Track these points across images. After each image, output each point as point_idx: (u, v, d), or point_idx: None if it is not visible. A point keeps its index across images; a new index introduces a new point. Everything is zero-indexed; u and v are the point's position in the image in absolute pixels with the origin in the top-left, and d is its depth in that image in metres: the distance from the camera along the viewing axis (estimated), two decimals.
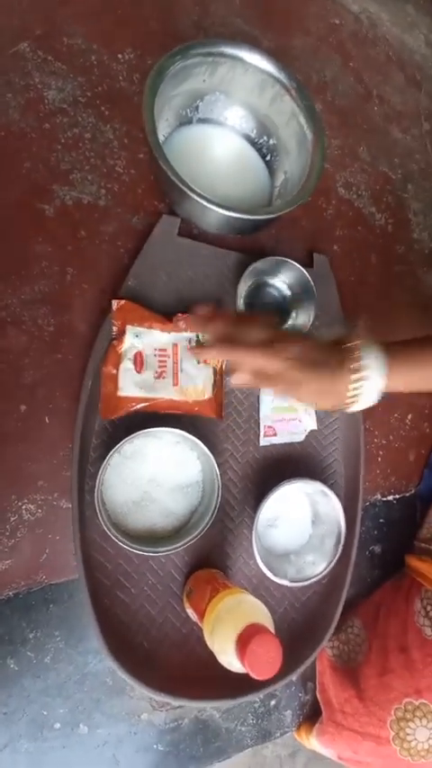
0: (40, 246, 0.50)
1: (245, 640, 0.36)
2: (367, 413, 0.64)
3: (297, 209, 0.52)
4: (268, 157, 0.61)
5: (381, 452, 0.65)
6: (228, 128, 0.60)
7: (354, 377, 0.39)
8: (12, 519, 0.46)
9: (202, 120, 0.59)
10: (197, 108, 0.58)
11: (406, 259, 0.73)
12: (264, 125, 0.59)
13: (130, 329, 0.49)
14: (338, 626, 0.58)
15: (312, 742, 0.59)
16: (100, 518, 0.44)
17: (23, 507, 0.47)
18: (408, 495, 0.67)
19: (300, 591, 0.55)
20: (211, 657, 0.41)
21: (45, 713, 0.46)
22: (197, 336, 0.52)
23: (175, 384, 0.50)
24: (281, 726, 0.57)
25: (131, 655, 0.46)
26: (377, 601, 0.60)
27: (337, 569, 0.53)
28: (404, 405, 0.68)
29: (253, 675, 0.36)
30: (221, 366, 0.54)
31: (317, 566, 0.53)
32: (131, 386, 0.49)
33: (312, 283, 0.56)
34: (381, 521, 0.65)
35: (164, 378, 0.50)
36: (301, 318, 0.58)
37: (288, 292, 0.59)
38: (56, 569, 0.47)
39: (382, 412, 0.66)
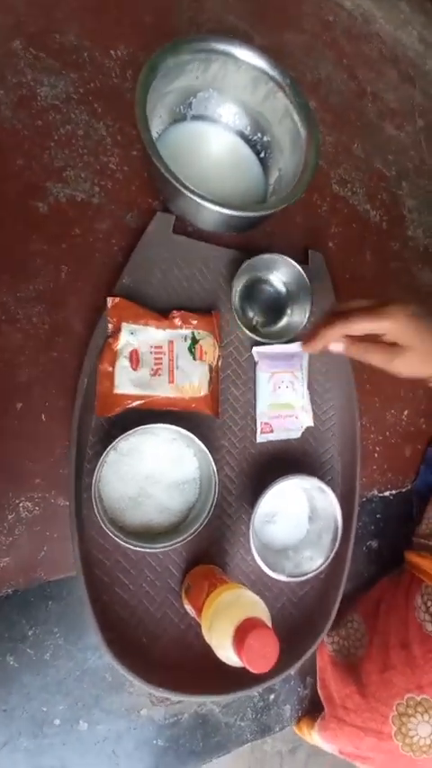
0: (34, 244, 0.50)
1: (242, 634, 0.36)
2: (364, 409, 0.64)
3: (292, 206, 0.53)
4: (262, 154, 0.61)
5: (377, 448, 0.66)
6: (221, 125, 0.60)
7: None
8: (9, 517, 0.46)
9: (196, 117, 0.59)
10: (190, 105, 0.58)
11: (401, 256, 0.73)
12: (257, 122, 0.59)
13: (125, 327, 0.49)
14: (338, 621, 0.58)
15: (314, 737, 0.59)
16: (97, 514, 0.44)
17: (21, 505, 0.47)
18: (404, 490, 0.68)
19: (297, 586, 0.55)
20: (209, 652, 0.41)
21: (45, 710, 0.46)
22: (192, 334, 0.52)
23: (171, 381, 0.50)
24: (280, 720, 0.58)
25: (130, 651, 0.46)
26: (377, 596, 0.60)
27: (334, 564, 0.54)
28: (400, 401, 0.68)
29: (250, 669, 0.36)
30: (217, 363, 0.54)
31: (314, 561, 0.53)
32: (127, 383, 0.49)
33: (307, 280, 0.56)
34: (377, 516, 0.65)
35: (160, 375, 0.50)
36: (296, 315, 0.58)
37: (283, 289, 0.60)
38: (54, 566, 0.47)
39: (378, 408, 0.67)
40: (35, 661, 0.46)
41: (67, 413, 0.49)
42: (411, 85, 0.83)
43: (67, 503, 0.47)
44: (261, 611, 0.40)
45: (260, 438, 0.56)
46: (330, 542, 0.53)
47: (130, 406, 0.48)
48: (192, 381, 0.51)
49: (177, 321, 0.51)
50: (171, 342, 0.51)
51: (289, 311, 0.59)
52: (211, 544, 0.52)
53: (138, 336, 0.50)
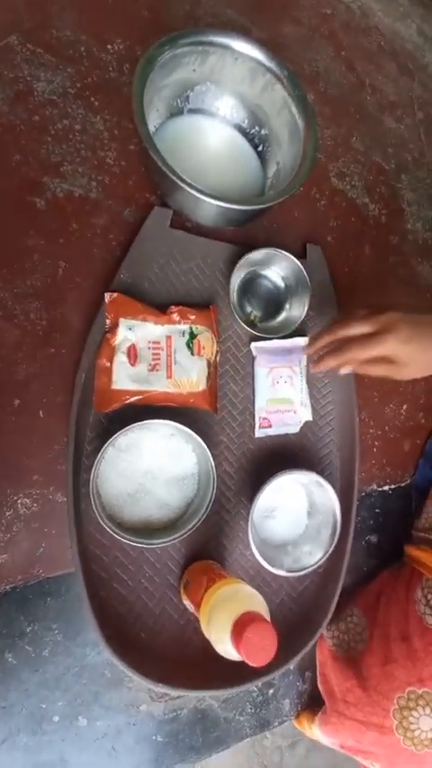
0: (31, 240, 0.50)
1: (240, 628, 0.36)
2: (363, 403, 0.64)
3: (290, 200, 0.52)
4: (260, 148, 0.61)
5: (376, 443, 0.66)
6: (219, 118, 0.60)
7: None
8: (7, 513, 0.46)
9: (193, 111, 0.59)
10: (188, 98, 0.58)
11: (400, 250, 0.73)
12: (255, 115, 0.59)
13: (123, 322, 0.49)
14: (338, 615, 0.58)
15: (315, 731, 0.59)
16: (95, 510, 0.44)
17: (19, 501, 0.47)
18: (403, 485, 0.68)
19: (296, 581, 0.55)
20: (208, 647, 0.41)
21: (44, 706, 0.46)
22: (190, 329, 0.52)
23: (169, 376, 0.50)
24: (279, 715, 0.58)
25: (129, 646, 0.46)
26: (377, 590, 0.60)
27: (333, 559, 0.54)
28: (399, 395, 0.68)
29: (249, 663, 0.36)
30: (215, 358, 0.54)
31: (313, 556, 0.53)
32: (125, 379, 0.48)
33: (306, 274, 0.56)
34: (376, 511, 0.65)
35: (158, 370, 0.50)
36: (295, 310, 0.58)
37: (282, 284, 0.59)
38: (52, 563, 0.47)
39: (377, 403, 0.66)
40: (34, 657, 0.46)
41: (65, 409, 0.48)
42: (410, 78, 0.82)
43: (66, 499, 0.47)
44: (259, 604, 0.40)
45: (258, 433, 0.56)
46: (329, 537, 0.53)
47: (128, 401, 0.48)
48: (190, 376, 0.50)
49: (175, 316, 0.51)
50: (169, 337, 0.51)
51: (287, 306, 0.59)
52: (209, 540, 0.52)
53: (135, 332, 0.50)
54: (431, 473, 0.68)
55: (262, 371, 0.56)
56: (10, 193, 0.50)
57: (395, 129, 0.77)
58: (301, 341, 0.57)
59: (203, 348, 0.52)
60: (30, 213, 0.51)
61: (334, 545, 0.52)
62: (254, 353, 0.56)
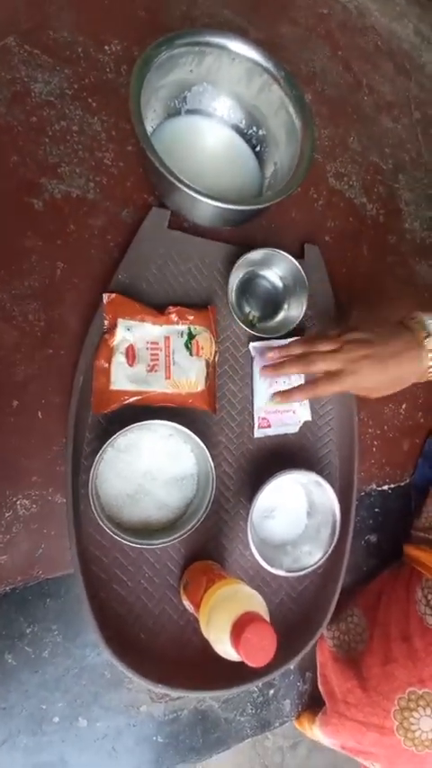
0: (29, 241, 0.50)
1: (239, 629, 0.36)
2: (362, 403, 0.64)
3: (288, 201, 0.52)
4: (258, 148, 0.61)
5: (375, 442, 0.66)
6: (216, 118, 0.60)
7: (427, 341, 0.45)
8: (6, 515, 0.46)
9: (191, 112, 0.59)
10: (185, 99, 0.58)
11: (398, 249, 0.73)
12: (252, 115, 0.59)
13: (121, 323, 0.49)
14: (338, 615, 0.58)
15: (315, 732, 0.59)
16: (94, 511, 0.44)
17: (18, 503, 0.47)
18: (402, 484, 0.68)
19: (296, 581, 0.55)
20: (208, 648, 0.41)
21: (44, 707, 0.46)
22: (189, 329, 0.52)
23: (168, 377, 0.50)
24: (280, 715, 0.58)
25: (129, 647, 0.46)
26: (377, 590, 0.60)
27: (332, 559, 0.54)
28: (398, 395, 0.67)
29: (248, 663, 0.36)
30: (214, 358, 0.54)
31: (313, 556, 0.53)
32: (124, 379, 0.48)
33: (304, 274, 0.56)
34: (376, 510, 0.65)
35: (156, 371, 0.50)
36: (293, 310, 0.58)
37: (280, 284, 0.59)
38: (52, 564, 0.47)
39: (376, 402, 0.66)
40: (33, 659, 0.46)
41: (63, 410, 0.48)
42: (407, 78, 0.83)
43: (65, 500, 0.47)
44: (258, 605, 0.40)
45: (258, 433, 0.56)
46: (329, 537, 0.53)
47: (127, 402, 0.48)
48: (188, 377, 0.50)
49: (173, 317, 0.51)
50: (167, 337, 0.51)
51: (286, 306, 0.59)
52: (209, 540, 0.52)
53: (134, 332, 0.50)
54: (430, 472, 0.68)
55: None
56: (7, 195, 0.50)
57: (392, 129, 0.77)
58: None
59: (202, 348, 0.52)
60: (27, 214, 0.51)
61: (333, 545, 0.52)
62: (252, 354, 0.56)
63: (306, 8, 0.76)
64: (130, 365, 0.49)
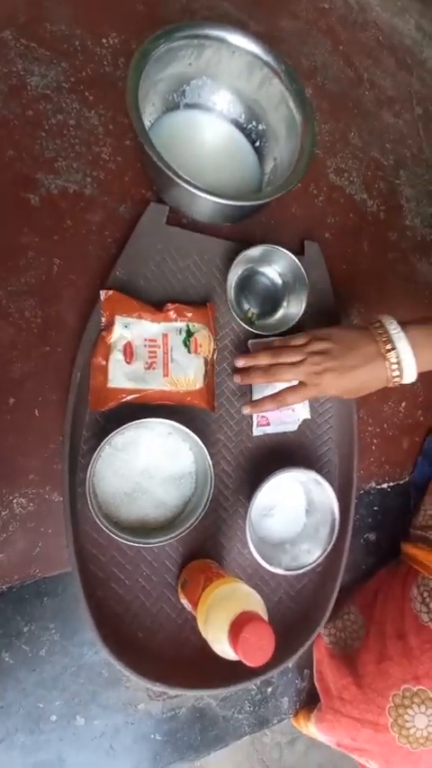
0: (25, 237, 0.50)
1: (237, 628, 0.35)
2: (361, 401, 0.64)
3: (288, 196, 0.52)
4: (257, 143, 0.60)
5: (375, 441, 0.65)
6: (216, 113, 0.59)
7: (389, 355, 0.45)
8: (3, 513, 0.46)
9: (190, 106, 0.58)
10: (184, 93, 0.57)
11: (398, 246, 0.72)
12: (252, 110, 0.58)
13: (118, 320, 0.49)
14: (335, 613, 0.58)
15: (311, 729, 0.59)
16: (91, 510, 0.43)
17: (15, 501, 0.46)
18: (402, 482, 0.67)
19: (295, 579, 0.55)
20: (206, 646, 0.41)
21: (41, 706, 0.46)
22: (187, 326, 0.51)
23: (166, 375, 0.49)
24: (278, 713, 0.58)
25: (127, 646, 0.46)
26: (374, 587, 0.60)
27: (331, 557, 0.53)
28: (398, 393, 0.68)
29: (246, 663, 0.36)
30: (213, 356, 0.53)
31: (311, 554, 0.53)
32: (121, 377, 0.48)
33: (304, 271, 0.55)
34: (375, 508, 0.65)
35: (154, 368, 0.49)
36: (292, 307, 0.57)
37: (279, 281, 0.59)
38: (49, 562, 0.47)
39: (376, 400, 0.66)
40: (31, 657, 0.46)
41: (60, 407, 0.48)
42: (408, 73, 0.82)
43: (62, 498, 0.47)
44: (257, 604, 0.40)
45: (257, 431, 0.55)
46: (328, 535, 0.52)
47: (125, 400, 0.48)
48: (187, 374, 0.50)
49: (172, 314, 0.51)
50: (165, 335, 0.50)
51: (285, 303, 0.58)
52: (207, 538, 0.52)
53: (131, 329, 0.49)
54: (429, 470, 0.68)
55: None
56: (3, 190, 0.49)
57: (393, 125, 0.77)
58: None
59: (200, 346, 0.51)
60: (23, 210, 0.50)
61: (332, 543, 0.52)
62: (251, 351, 0.56)
63: (307, 2, 0.75)
64: (128, 363, 0.48)
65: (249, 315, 0.58)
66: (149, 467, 0.49)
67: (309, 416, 0.57)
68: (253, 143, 0.60)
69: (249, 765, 0.96)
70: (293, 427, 0.57)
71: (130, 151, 0.56)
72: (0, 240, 0.49)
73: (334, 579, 0.55)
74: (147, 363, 0.49)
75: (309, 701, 0.59)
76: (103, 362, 0.48)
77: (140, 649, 0.47)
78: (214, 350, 0.53)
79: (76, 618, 0.47)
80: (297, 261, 0.55)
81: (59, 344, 0.49)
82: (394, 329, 0.46)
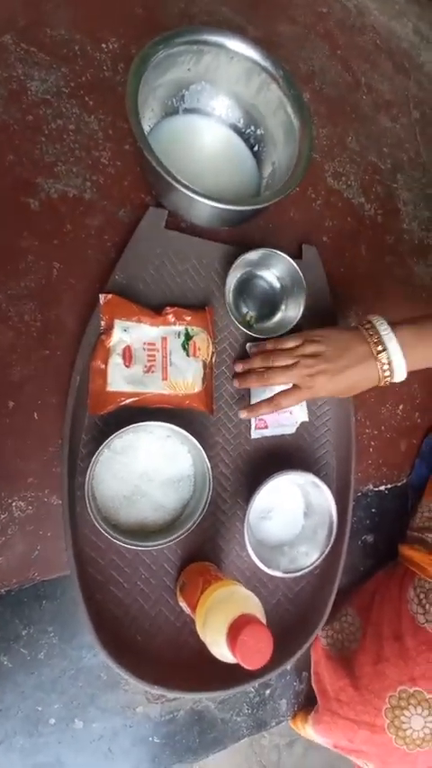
0: (25, 241, 0.50)
1: (235, 631, 0.36)
2: (359, 404, 0.64)
3: (286, 200, 0.52)
4: (256, 148, 0.60)
5: (372, 443, 0.66)
6: (214, 118, 0.60)
7: (380, 355, 0.46)
8: (2, 516, 0.46)
9: (188, 111, 0.59)
10: (183, 98, 0.57)
11: (396, 250, 0.73)
12: (251, 115, 0.59)
13: (118, 323, 0.49)
14: (332, 615, 0.58)
15: (308, 731, 0.59)
16: (90, 513, 0.44)
17: (13, 504, 0.46)
18: (399, 484, 0.68)
19: (293, 581, 0.55)
20: (204, 649, 0.41)
21: (40, 709, 0.46)
22: (186, 330, 0.51)
23: (165, 378, 0.50)
24: (276, 715, 0.58)
25: (125, 649, 0.46)
26: (371, 589, 0.61)
27: (329, 559, 0.54)
28: (395, 395, 0.68)
29: (244, 666, 0.36)
30: (211, 359, 0.53)
31: (309, 556, 0.53)
32: (120, 380, 0.48)
33: (302, 275, 0.56)
34: (372, 510, 0.65)
35: (153, 372, 0.49)
36: (290, 311, 0.58)
37: (277, 284, 0.59)
38: (48, 566, 0.47)
39: (373, 403, 0.66)
40: (29, 660, 0.46)
41: (59, 411, 0.48)
42: (406, 77, 0.82)
43: (61, 501, 0.47)
44: (255, 606, 0.40)
45: (255, 434, 0.55)
46: (325, 537, 0.53)
47: (124, 403, 0.48)
48: (185, 378, 0.50)
49: (171, 317, 0.51)
50: (164, 338, 0.51)
51: (283, 306, 0.59)
52: (205, 541, 0.52)
53: (131, 333, 0.49)
54: (427, 472, 0.69)
55: None
56: (3, 194, 0.50)
57: (391, 129, 0.77)
58: None
59: (199, 349, 0.52)
60: (23, 214, 0.50)
61: (330, 545, 0.52)
62: (250, 354, 0.56)
63: (305, 6, 0.75)
64: (127, 366, 0.49)
65: (248, 318, 0.58)
66: (148, 470, 0.49)
67: (306, 419, 0.58)
68: (251, 148, 0.61)
69: (248, 767, 0.96)
70: (291, 430, 0.57)
71: (129, 156, 0.56)
72: (0, 244, 0.49)
73: (332, 581, 0.55)
74: (146, 367, 0.49)
75: (307, 704, 0.60)
76: (103, 366, 0.48)
77: (139, 652, 0.48)
78: (213, 353, 0.54)
79: (74, 621, 0.47)
80: (295, 264, 0.55)
81: (59, 348, 0.50)
82: (384, 330, 0.46)
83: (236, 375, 0.54)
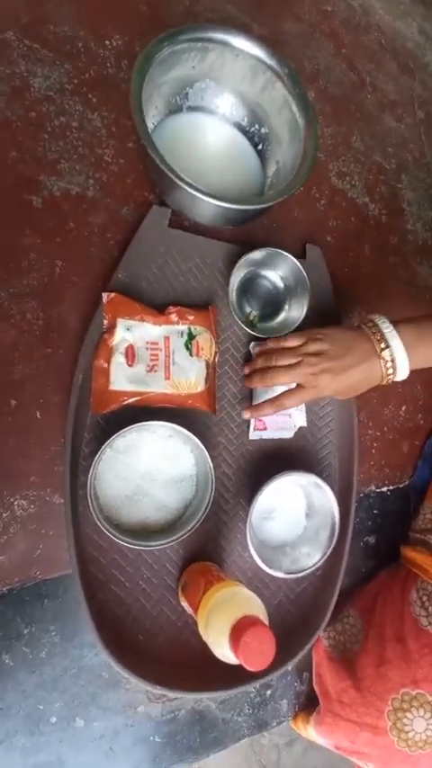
0: (27, 239, 0.50)
1: (238, 632, 0.36)
2: (362, 405, 0.64)
3: (290, 200, 0.52)
4: (260, 146, 0.60)
5: (375, 444, 0.66)
6: (218, 116, 0.59)
7: (384, 353, 0.46)
8: (4, 515, 0.46)
9: (193, 108, 0.58)
10: (187, 95, 0.57)
11: (400, 250, 0.72)
12: (255, 113, 0.59)
13: (120, 322, 0.49)
14: (334, 616, 0.58)
15: (310, 732, 0.59)
16: (92, 512, 0.43)
17: (16, 503, 0.46)
18: (402, 486, 0.68)
19: (295, 582, 0.55)
20: (206, 649, 0.41)
21: (41, 708, 0.46)
22: (189, 329, 0.51)
23: (167, 377, 0.49)
24: (277, 715, 0.58)
25: (127, 648, 0.46)
26: (373, 591, 0.61)
27: (331, 560, 0.53)
28: (398, 396, 0.68)
29: (247, 667, 0.36)
30: (214, 359, 0.53)
31: (312, 557, 0.53)
32: (123, 380, 0.48)
33: (305, 275, 0.55)
34: (375, 512, 0.65)
35: (156, 371, 0.49)
36: (294, 311, 0.57)
37: (281, 284, 0.59)
38: (50, 565, 0.47)
39: (376, 404, 0.66)
40: (31, 659, 0.46)
41: (62, 410, 0.48)
42: (411, 77, 0.82)
43: (63, 500, 0.47)
44: (257, 607, 0.40)
45: (253, 435, 0.55)
46: (328, 538, 0.52)
47: (126, 402, 0.48)
48: (188, 377, 0.50)
49: (174, 316, 0.51)
50: (167, 337, 0.50)
51: (287, 306, 0.58)
52: (207, 541, 0.52)
53: (133, 332, 0.49)
54: (429, 474, 0.68)
55: None
56: (6, 191, 0.49)
57: (396, 129, 0.77)
58: None
59: (202, 349, 0.51)
60: (26, 211, 0.50)
61: (332, 546, 0.52)
62: (253, 354, 0.56)
63: (310, 5, 0.75)
64: (130, 365, 0.49)
65: (251, 318, 0.58)
66: (150, 469, 0.49)
67: (305, 425, 0.57)
68: (255, 146, 0.60)
69: (248, 767, 0.96)
70: (290, 434, 0.56)
71: (132, 153, 0.56)
72: (2, 242, 0.49)
73: (334, 582, 0.55)
74: (148, 366, 0.49)
75: (308, 704, 0.59)
76: (105, 365, 0.48)
77: (140, 652, 0.48)
78: (216, 353, 0.53)
79: (76, 620, 0.47)
80: (299, 264, 0.55)
81: (61, 347, 0.49)
82: (387, 327, 0.46)
83: (245, 379, 0.54)
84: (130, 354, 0.49)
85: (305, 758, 1.02)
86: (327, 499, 0.52)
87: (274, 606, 0.54)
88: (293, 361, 0.48)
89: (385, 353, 0.46)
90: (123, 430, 0.45)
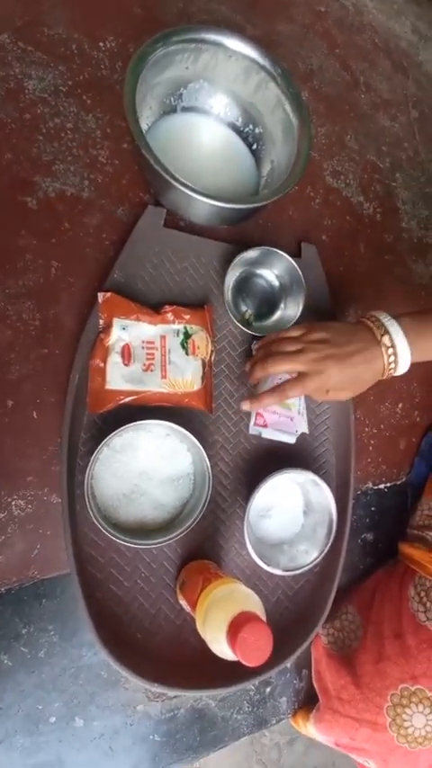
0: (23, 240, 0.50)
1: (236, 628, 0.36)
2: (358, 402, 0.64)
3: (284, 199, 0.52)
4: (254, 146, 0.60)
5: (372, 441, 0.66)
6: (213, 116, 0.60)
7: (384, 339, 0.45)
8: (1, 515, 0.46)
9: (187, 109, 0.59)
10: (181, 96, 0.57)
11: (395, 248, 0.73)
12: (249, 113, 0.59)
13: (116, 322, 0.49)
14: (333, 613, 0.58)
15: (309, 729, 0.59)
16: (89, 511, 0.44)
17: (13, 503, 0.46)
18: (399, 483, 0.68)
19: (293, 580, 0.55)
20: (204, 647, 0.41)
21: (40, 707, 0.46)
22: (185, 328, 0.52)
23: (164, 377, 0.50)
24: (276, 713, 0.58)
25: (126, 647, 0.46)
26: (371, 587, 0.61)
27: (329, 557, 0.54)
28: (395, 393, 0.68)
29: (244, 663, 0.36)
30: (210, 357, 0.53)
31: (309, 554, 0.53)
32: (119, 379, 0.48)
33: (301, 273, 0.56)
34: (372, 509, 0.65)
35: (152, 370, 0.49)
36: (290, 309, 0.58)
37: (276, 283, 0.59)
38: (48, 564, 0.47)
39: (373, 401, 0.66)
40: (30, 659, 0.46)
41: (58, 409, 0.48)
42: (405, 76, 0.82)
43: (60, 500, 0.47)
44: (255, 604, 0.40)
45: (252, 430, 0.54)
46: (325, 536, 0.53)
47: (123, 401, 0.48)
48: (185, 376, 0.50)
49: (169, 316, 0.51)
50: (163, 337, 0.51)
51: (282, 305, 0.59)
52: (205, 539, 0.52)
53: (129, 331, 0.49)
54: (426, 471, 0.69)
55: None
56: (1, 193, 0.50)
57: (389, 128, 0.77)
58: None
59: (198, 348, 0.52)
60: (21, 213, 0.50)
61: (330, 543, 0.52)
62: (254, 352, 0.56)
63: (303, 5, 0.75)
64: (126, 365, 0.49)
65: (247, 317, 0.58)
66: (148, 468, 0.49)
67: (307, 431, 0.56)
68: (250, 146, 0.61)
69: (248, 766, 0.96)
70: (291, 440, 0.55)
71: (127, 154, 0.56)
72: None
73: (332, 579, 0.55)
74: (145, 365, 0.49)
75: (307, 701, 0.60)
76: (101, 364, 0.48)
77: (139, 650, 0.48)
78: (212, 352, 0.54)
79: (74, 619, 0.47)
80: (294, 263, 0.56)
81: (57, 347, 0.50)
82: (387, 319, 0.46)
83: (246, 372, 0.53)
84: (127, 354, 0.49)
85: (306, 757, 1.02)
86: (324, 496, 0.53)
87: (272, 603, 0.54)
88: (297, 347, 0.46)
89: (386, 340, 0.45)
90: (120, 429, 0.45)
